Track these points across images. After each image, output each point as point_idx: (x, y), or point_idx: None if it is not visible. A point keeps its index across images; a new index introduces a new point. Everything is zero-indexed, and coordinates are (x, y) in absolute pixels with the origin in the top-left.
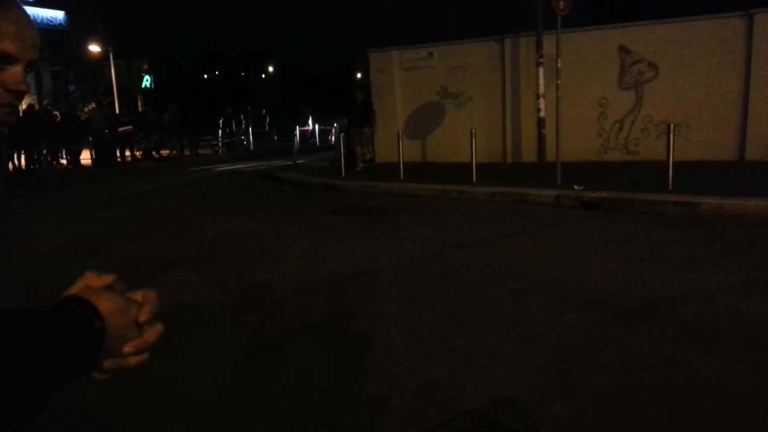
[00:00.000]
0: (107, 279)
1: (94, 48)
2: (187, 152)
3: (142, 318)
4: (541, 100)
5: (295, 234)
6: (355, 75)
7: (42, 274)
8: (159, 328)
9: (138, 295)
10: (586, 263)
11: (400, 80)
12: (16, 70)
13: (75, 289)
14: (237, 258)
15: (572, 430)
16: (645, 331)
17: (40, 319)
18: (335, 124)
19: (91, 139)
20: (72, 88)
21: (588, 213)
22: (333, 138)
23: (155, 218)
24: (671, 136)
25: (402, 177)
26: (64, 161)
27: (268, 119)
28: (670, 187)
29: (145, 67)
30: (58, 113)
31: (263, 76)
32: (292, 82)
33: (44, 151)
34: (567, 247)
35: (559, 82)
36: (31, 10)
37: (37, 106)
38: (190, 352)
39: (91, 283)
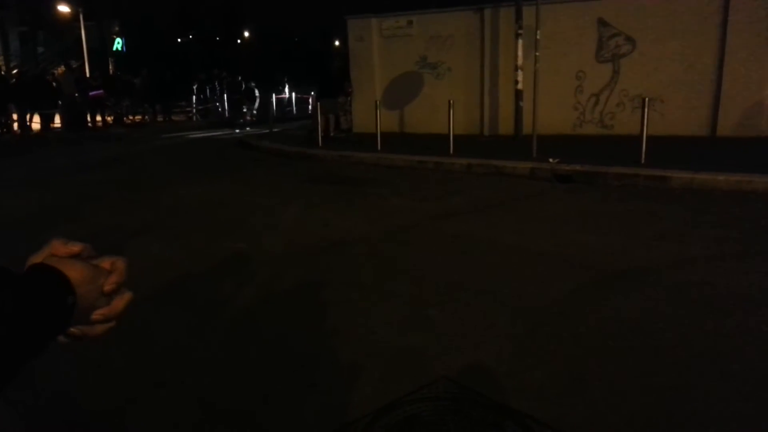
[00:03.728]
0: (75, 248)
1: (63, 8)
2: (159, 118)
3: (107, 288)
4: (519, 72)
5: (271, 203)
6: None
7: (10, 240)
8: (128, 296)
9: (106, 263)
10: (560, 235)
11: (378, 49)
12: None
13: (41, 256)
14: (211, 227)
15: (542, 398)
16: (617, 301)
17: (14, 289)
18: (312, 93)
19: (60, 103)
20: (41, 50)
21: (562, 185)
22: (310, 107)
23: (127, 185)
24: (645, 110)
25: (379, 147)
26: (35, 125)
27: (243, 86)
28: (643, 161)
29: (117, 29)
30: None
31: (239, 41)
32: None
33: (13, 115)
34: (541, 219)
35: (537, 53)
36: None
37: (3, 68)
38: (163, 320)
39: (56, 251)
